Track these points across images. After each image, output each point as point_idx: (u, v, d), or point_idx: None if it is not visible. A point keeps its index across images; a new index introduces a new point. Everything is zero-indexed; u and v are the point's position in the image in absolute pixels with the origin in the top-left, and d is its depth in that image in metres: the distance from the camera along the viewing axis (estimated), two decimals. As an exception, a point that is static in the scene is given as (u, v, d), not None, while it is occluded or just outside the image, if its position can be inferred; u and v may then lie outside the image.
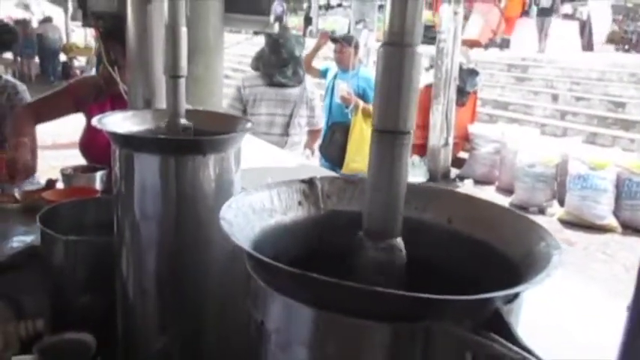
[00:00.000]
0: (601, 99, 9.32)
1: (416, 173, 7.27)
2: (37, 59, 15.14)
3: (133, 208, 0.91)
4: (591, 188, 5.92)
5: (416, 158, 7.54)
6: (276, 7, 2.23)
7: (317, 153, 4.58)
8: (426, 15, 12.50)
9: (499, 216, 0.62)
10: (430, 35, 8.32)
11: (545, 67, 11.15)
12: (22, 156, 2.02)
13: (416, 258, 0.57)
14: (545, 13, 13.87)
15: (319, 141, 4.45)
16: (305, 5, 20.60)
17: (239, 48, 12.35)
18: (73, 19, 15.59)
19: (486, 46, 13.94)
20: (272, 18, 2.23)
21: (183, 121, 0.97)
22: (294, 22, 17.71)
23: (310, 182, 0.67)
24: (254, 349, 0.55)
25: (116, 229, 0.96)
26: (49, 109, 2.32)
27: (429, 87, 7.55)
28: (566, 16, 17.68)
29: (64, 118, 2.36)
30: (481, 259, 0.61)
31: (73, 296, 1.12)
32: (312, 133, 3.98)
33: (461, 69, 7.63)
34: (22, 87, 2.67)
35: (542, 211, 6.30)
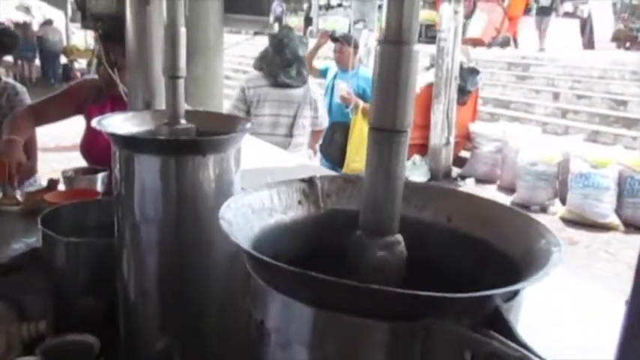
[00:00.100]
0: (602, 97, 9.30)
1: (417, 173, 7.27)
2: (37, 62, 15.17)
3: (133, 209, 0.92)
4: (593, 186, 5.91)
5: (417, 158, 7.53)
6: (276, 8, 2.23)
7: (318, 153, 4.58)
8: (427, 14, 12.51)
9: (499, 214, 0.62)
10: (430, 34, 8.32)
11: (546, 65, 11.14)
12: (15, 154, 2.00)
13: (415, 256, 0.57)
14: (544, 12, 13.84)
15: (320, 141, 4.45)
16: (305, 5, 20.62)
17: (239, 48, 12.36)
18: (73, 20, 15.62)
19: (489, 45, 13.95)
20: (272, 18, 2.23)
21: (182, 121, 0.97)
22: (295, 22, 17.72)
23: (310, 181, 0.67)
24: (254, 348, 0.55)
25: (117, 230, 0.96)
26: (49, 112, 2.33)
27: (429, 86, 7.55)
28: (566, 15, 17.66)
29: (65, 120, 2.37)
30: (481, 257, 0.61)
31: (75, 298, 1.13)
32: (315, 134, 3.97)
33: (461, 68, 7.63)
34: (22, 89, 2.68)
35: (544, 210, 6.30)
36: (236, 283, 0.80)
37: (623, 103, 8.94)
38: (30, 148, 2.35)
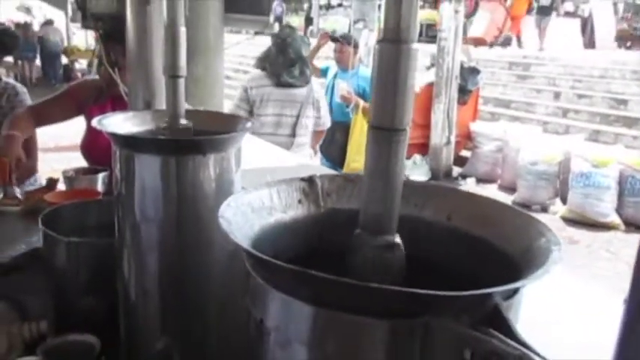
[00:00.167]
0: (603, 96, 9.30)
1: (418, 172, 7.27)
2: (38, 62, 15.18)
3: (133, 208, 0.92)
4: (594, 186, 5.91)
5: (418, 157, 7.54)
6: (276, 8, 2.23)
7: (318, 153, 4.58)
8: (427, 14, 12.50)
9: (498, 212, 0.62)
10: (431, 34, 8.32)
11: (547, 64, 11.13)
12: (14, 149, 1.99)
13: (415, 255, 0.57)
14: (544, 11, 13.84)
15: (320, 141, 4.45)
16: (306, 5, 20.62)
17: (239, 48, 12.35)
18: (73, 20, 15.63)
19: (492, 44, 13.95)
20: (272, 18, 2.24)
21: (183, 121, 0.97)
22: (295, 22, 17.72)
23: (310, 180, 0.67)
24: (254, 347, 0.55)
25: (117, 230, 0.96)
26: (50, 112, 2.33)
27: (430, 85, 7.55)
28: (567, 14, 17.66)
29: (65, 121, 2.37)
30: (481, 256, 0.61)
31: (76, 298, 1.13)
32: (317, 134, 3.96)
33: (462, 67, 7.63)
34: (22, 89, 2.68)
35: (544, 209, 6.30)
36: (236, 283, 0.80)
37: (624, 102, 8.94)
38: (30, 148, 2.35)
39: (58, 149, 5.27)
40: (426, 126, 7.59)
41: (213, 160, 0.90)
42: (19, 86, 2.71)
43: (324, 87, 4.67)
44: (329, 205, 0.68)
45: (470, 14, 12.31)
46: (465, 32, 8.73)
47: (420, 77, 6.94)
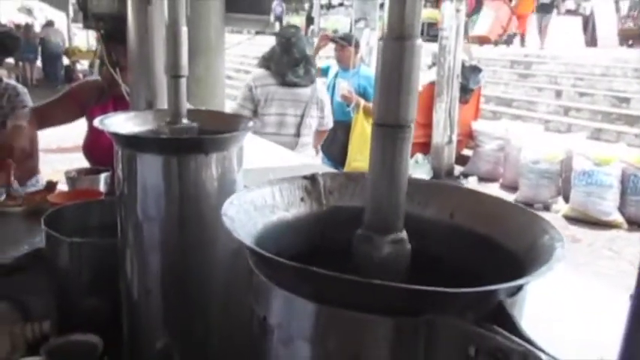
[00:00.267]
0: (605, 94, 9.29)
1: (420, 171, 7.26)
2: (39, 63, 15.21)
3: (136, 208, 0.92)
4: (596, 184, 5.90)
5: (419, 156, 7.53)
6: (276, 7, 2.23)
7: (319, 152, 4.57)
8: (429, 13, 12.50)
9: (502, 210, 0.62)
10: (432, 33, 8.31)
11: (548, 63, 11.12)
12: (20, 139, 2.01)
13: (418, 253, 0.56)
14: (544, 9, 13.82)
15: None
16: (307, 5, 20.62)
17: (241, 48, 12.35)
18: (75, 21, 15.65)
19: (496, 43, 13.94)
20: (272, 17, 2.24)
21: (185, 120, 0.97)
22: (296, 21, 17.72)
23: (312, 178, 0.67)
24: (257, 345, 0.55)
25: (120, 229, 0.96)
26: (53, 114, 2.33)
27: (432, 84, 7.55)
28: (569, 12, 17.62)
29: (68, 123, 2.38)
30: (484, 254, 0.60)
31: (79, 298, 1.13)
32: (319, 133, 3.95)
33: (463, 66, 7.62)
34: (23, 89, 2.68)
35: (547, 208, 6.29)
36: (239, 282, 0.80)
37: (626, 100, 8.92)
38: (31, 148, 2.35)
39: (61, 150, 5.28)
40: (427, 125, 7.59)
41: (215, 159, 0.90)
42: (20, 87, 2.71)
43: (325, 86, 4.67)
44: (331, 203, 0.67)
45: (471, 13, 12.31)
46: (466, 31, 8.72)
47: (421, 76, 6.94)
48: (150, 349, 0.96)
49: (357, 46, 4.57)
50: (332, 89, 4.54)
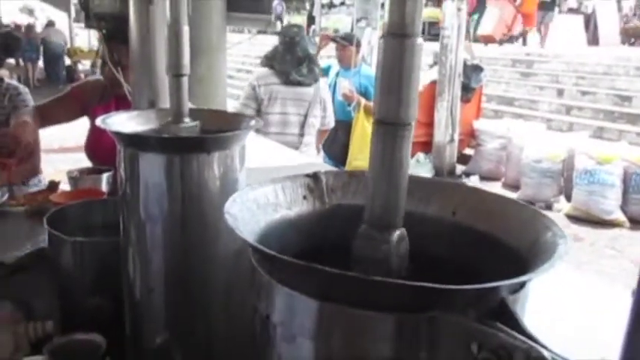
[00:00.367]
0: (607, 93, 9.27)
1: (421, 170, 7.25)
2: (41, 64, 15.24)
3: (138, 207, 0.92)
4: (598, 183, 5.89)
5: (421, 155, 7.52)
6: (276, 7, 2.23)
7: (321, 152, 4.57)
8: (430, 12, 12.49)
9: (504, 207, 0.62)
10: (434, 32, 8.30)
11: (550, 61, 11.11)
12: (26, 134, 2.02)
13: (420, 250, 0.56)
14: (546, 7, 13.80)
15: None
16: (308, 4, 20.59)
17: (242, 48, 12.36)
18: (77, 21, 15.67)
19: (501, 42, 13.92)
20: (273, 17, 2.24)
21: (187, 119, 0.97)
22: (297, 20, 17.70)
23: (315, 177, 0.67)
24: (259, 343, 0.55)
25: (122, 229, 0.96)
26: (55, 113, 2.34)
27: (433, 83, 7.54)
28: (570, 11, 17.59)
29: (70, 122, 2.38)
30: (486, 251, 0.60)
31: (82, 297, 1.13)
32: (321, 133, 3.95)
33: (465, 65, 7.61)
34: (24, 89, 2.69)
35: (549, 207, 6.28)
36: (241, 281, 0.80)
37: (628, 99, 8.91)
38: (34, 149, 2.36)
39: (63, 150, 5.28)
40: (429, 124, 7.58)
41: (217, 158, 0.90)
42: (21, 87, 2.72)
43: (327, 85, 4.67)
44: (334, 202, 0.68)
45: (472, 12, 12.30)
46: (467, 29, 8.70)
47: (423, 75, 6.93)
48: (152, 348, 0.96)
49: (358, 45, 4.58)
50: (333, 89, 4.53)
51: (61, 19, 16.82)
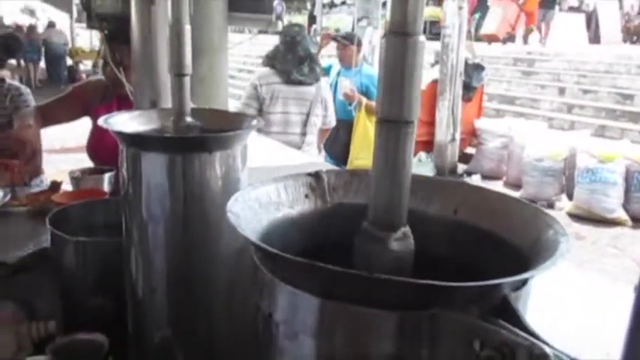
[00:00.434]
0: (609, 91, 9.26)
1: (423, 169, 7.25)
2: (42, 64, 15.27)
3: (140, 207, 0.92)
4: (600, 181, 5.88)
5: (423, 154, 7.52)
6: (276, 7, 2.23)
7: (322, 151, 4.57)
8: (431, 11, 12.48)
9: (505, 205, 0.62)
10: (435, 31, 8.29)
11: (551, 60, 11.09)
12: (31, 138, 2.04)
13: (422, 249, 0.56)
14: (547, 5, 13.78)
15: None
16: (309, 4, 20.59)
17: (243, 48, 12.36)
18: (79, 21, 15.70)
19: (504, 41, 13.91)
20: (273, 16, 2.24)
21: (189, 119, 0.97)
22: (299, 20, 17.72)
23: (317, 175, 0.67)
24: (262, 341, 0.55)
25: (125, 228, 0.96)
26: (57, 113, 2.34)
27: (434, 83, 7.54)
28: (571, 9, 17.57)
29: (72, 122, 2.38)
30: (488, 249, 0.60)
31: (84, 297, 1.13)
32: (323, 132, 3.95)
33: (466, 64, 7.61)
34: (25, 90, 2.70)
35: (550, 206, 6.27)
36: (243, 280, 0.80)
37: (630, 97, 8.89)
38: (36, 150, 2.37)
39: (64, 150, 5.28)
40: (430, 123, 7.58)
41: (219, 157, 0.90)
42: (23, 87, 2.73)
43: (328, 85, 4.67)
44: (335, 200, 0.68)
45: (474, 11, 12.29)
46: (477, 29, 8.70)
47: (424, 74, 6.94)
48: (155, 347, 0.97)
49: (359, 44, 4.57)
50: (334, 88, 4.54)
51: (62, 19, 16.85)
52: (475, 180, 7.28)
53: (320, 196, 0.67)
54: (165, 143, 0.92)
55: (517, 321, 0.44)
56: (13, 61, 12.46)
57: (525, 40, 14.47)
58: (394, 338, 0.47)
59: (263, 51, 3.94)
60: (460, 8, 7.42)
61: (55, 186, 2.04)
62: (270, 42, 3.83)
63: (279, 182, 0.65)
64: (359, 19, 8.47)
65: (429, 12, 12.17)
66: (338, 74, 4.58)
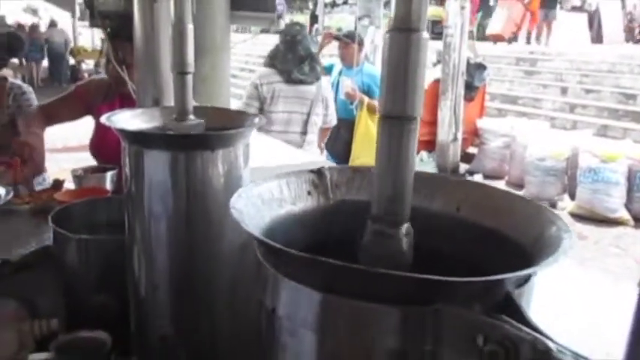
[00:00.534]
0: (611, 91, 9.24)
1: (424, 169, 7.23)
2: (45, 63, 15.31)
3: (143, 204, 0.92)
4: (602, 181, 5.88)
5: (424, 154, 7.52)
6: (278, 5, 2.23)
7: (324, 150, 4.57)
8: (434, 10, 12.47)
9: (508, 202, 0.62)
10: (437, 30, 8.29)
11: (553, 60, 11.08)
12: (37, 144, 2.06)
13: (425, 246, 0.57)
14: (548, 5, 13.76)
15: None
16: (311, 3, 20.60)
17: (245, 47, 12.37)
18: (81, 19, 15.73)
19: (510, 40, 13.91)
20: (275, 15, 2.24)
21: (191, 117, 0.97)
22: (300, 19, 17.71)
23: (319, 172, 0.67)
24: (265, 337, 0.55)
25: (127, 226, 0.97)
26: (59, 112, 2.35)
27: (437, 82, 7.53)
28: (574, 8, 17.55)
29: (75, 121, 2.39)
30: (491, 246, 0.60)
31: (87, 294, 1.13)
32: (323, 131, 3.95)
33: (468, 63, 7.60)
34: (28, 88, 2.70)
35: (553, 205, 6.27)
36: (245, 277, 0.80)
37: (633, 97, 8.88)
38: (39, 148, 2.38)
39: (67, 149, 5.30)
40: (432, 123, 7.58)
41: (221, 155, 0.91)
42: (25, 86, 2.73)
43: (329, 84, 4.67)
44: (338, 197, 0.68)
45: (477, 10, 12.29)
46: (480, 29, 8.70)
47: (426, 74, 6.94)
48: (157, 345, 0.97)
49: (360, 43, 4.57)
50: (336, 87, 4.54)
51: (64, 18, 16.87)
52: (477, 179, 7.28)
53: (322, 193, 0.67)
54: (168, 141, 0.92)
55: (520, 317, 0.44)
56: (15, 60, 12.48)
57: (528, 40, 14.46)
58: (398, 333, 0.47)
59: (264, 51, 3.94)
60: (462, 8, 7.41)
61: (58, 184, 2.05)
62: (271, 42, 3.83)
63: (282, 179, 0.65)
64: (360, 18, 8.47)
65: (431, 11, 12.15)
66: (340, 73, 4.58)
